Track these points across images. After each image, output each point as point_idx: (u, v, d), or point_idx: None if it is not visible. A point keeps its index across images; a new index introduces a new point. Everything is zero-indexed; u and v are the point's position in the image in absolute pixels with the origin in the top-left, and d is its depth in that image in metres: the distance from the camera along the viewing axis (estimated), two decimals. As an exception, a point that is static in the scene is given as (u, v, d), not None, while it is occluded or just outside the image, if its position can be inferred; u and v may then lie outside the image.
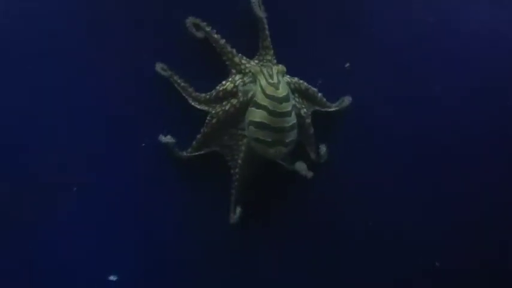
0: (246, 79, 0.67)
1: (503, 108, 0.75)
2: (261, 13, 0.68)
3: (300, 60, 0.71)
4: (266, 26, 0.68)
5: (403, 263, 0.75)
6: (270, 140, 0.64)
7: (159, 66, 0.70)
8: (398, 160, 0.75)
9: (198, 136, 0.69)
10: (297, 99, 0.69)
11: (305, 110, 0.70)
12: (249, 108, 0.65)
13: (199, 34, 0.69)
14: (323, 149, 0.72)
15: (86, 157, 0.72)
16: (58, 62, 0.71)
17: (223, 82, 0.69)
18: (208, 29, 0.68)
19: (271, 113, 0.63)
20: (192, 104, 0.69)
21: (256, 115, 0.64)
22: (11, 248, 0.71)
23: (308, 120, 0.70)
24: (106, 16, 0.72)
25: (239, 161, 0.69)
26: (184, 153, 0.70)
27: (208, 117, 0.69)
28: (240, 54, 0.69)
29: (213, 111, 0.68)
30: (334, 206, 0.75)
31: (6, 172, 0.71)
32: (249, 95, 0.65)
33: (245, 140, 0.67)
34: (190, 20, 0.68)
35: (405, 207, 0.76)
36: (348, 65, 0.74)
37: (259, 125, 0.64)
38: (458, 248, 0.76)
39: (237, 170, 0.69)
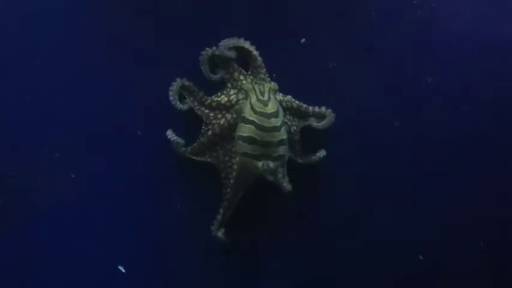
0: (240, 95, 0.69)
1: (503, 108, 0.75)
2: (245, 45, 0.69)
3: (296, 59, 0.73)
4: (254, 52, 0.69)
5: (403, 263, 0.75)
6: (257, 153, 0.65)
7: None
8: (398, 161, 0.75)
9: (197, 142, 0.71)
10: (288, 117, 0.70)
11: (295, 127, 0.71)
12: (238, 124, 0.67)
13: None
14: (321, 153, 0.72)
15: (84, 154, 0.74)
16: (59, 60, 0.73)
17: (218, 93, 0.71)
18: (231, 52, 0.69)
19: (259, 127, 0.65)
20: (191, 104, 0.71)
21: (244, 130, 0.65)
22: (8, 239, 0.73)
23: (297, 137, 0.71)
24: (107, 15, 0.74)
25: (231, 180, 0.69)
26: (188, 150, 0.71)
27: (203, 127, 0.70)
28: (239, 69, 0.70)
29: (208, 121, 0.70)
30: (333, 207, 0.75)
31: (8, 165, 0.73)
32: (242, 114, 0.66)
33: (238, 158, 0.68)
34: (207, 52, 0.69)
35: (405, 207, 0.76)
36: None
37: (246, 140, 0.65)
38: (458, 248, 0.76)
39: (228, 191, 0.70)
